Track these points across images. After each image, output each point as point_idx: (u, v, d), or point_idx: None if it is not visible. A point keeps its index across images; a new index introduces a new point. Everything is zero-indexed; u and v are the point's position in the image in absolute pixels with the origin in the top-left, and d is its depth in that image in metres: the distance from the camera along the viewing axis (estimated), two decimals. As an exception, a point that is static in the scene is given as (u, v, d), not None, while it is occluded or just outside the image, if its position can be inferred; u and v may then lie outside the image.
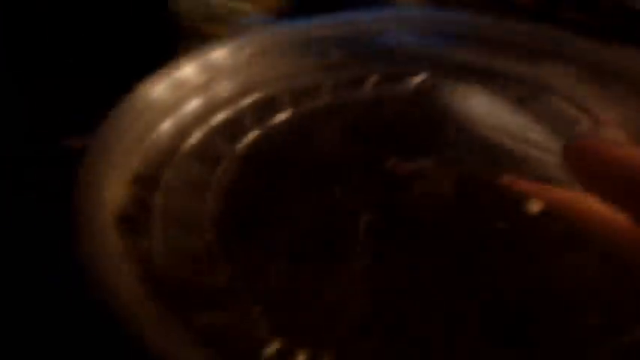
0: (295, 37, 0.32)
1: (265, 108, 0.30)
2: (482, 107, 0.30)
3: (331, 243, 0.25)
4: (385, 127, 0.30)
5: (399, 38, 0.33)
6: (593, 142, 0.26)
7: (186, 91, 0.30)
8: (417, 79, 0.31)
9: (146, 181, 0.26)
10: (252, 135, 0.29)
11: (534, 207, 0.26)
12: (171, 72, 0.30)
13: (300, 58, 0.32)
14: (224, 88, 0.31)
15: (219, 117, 0.30)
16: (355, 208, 0.26)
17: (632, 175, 0.23)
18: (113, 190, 0.25)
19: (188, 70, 0.31)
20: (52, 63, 0.42)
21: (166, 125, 0.29)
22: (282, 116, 0.30)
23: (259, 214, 0.26)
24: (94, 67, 0.39)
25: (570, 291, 0.23)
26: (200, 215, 0.25)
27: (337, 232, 0.25)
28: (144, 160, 0.27)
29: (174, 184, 0.26)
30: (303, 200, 0.27)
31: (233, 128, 0.29)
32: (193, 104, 0.30)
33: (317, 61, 0.32)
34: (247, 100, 0.31)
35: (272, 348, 0.21)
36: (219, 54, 0.32)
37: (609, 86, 0.30)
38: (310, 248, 0.25)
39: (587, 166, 0.25)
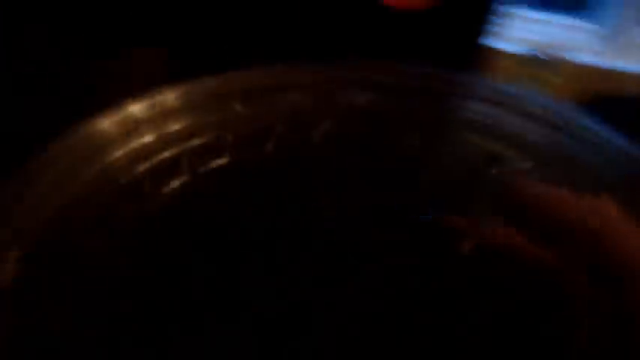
0: (200, 93, 0.31)
1: (164, 170, 0.28)
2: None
3: (236, 316, 0.24)
4: (289, 182, 0.28)
5: (300, 90, 0.31)
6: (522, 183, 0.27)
7: (84, 155, 0.28)
8: (322, 128, 0.30)
9: (34, 256, 0.24)
10: (149, 202, 0.27)
11: (466, 246, 0.25)
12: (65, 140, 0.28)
13: (202, 114, 0.30)
14: (118, 154, 0.29)
15: (120, 182, 0.28)
16: (267, 274, 0.25)
17: (555, 217, 0.24)
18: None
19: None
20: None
21: (57, 197, 0.27)
22: (179, 180, 0.28)
23: (154, 291, 0.24)
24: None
25: (499, 331, 0.22)
26: (92, 292, 0.23)
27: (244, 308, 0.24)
28: (34, 234, 0.25)
29: (65, 260, 0.24)
30: (201, 277, 0.25)
31: (131, 193, 0.27)
32: (90, 171, 0.28)
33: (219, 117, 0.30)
34: (145, 165, 0.29)
35: None
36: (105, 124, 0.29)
37: (528, 120, 0.29)
38: (214, 324, 0.23)
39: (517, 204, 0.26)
